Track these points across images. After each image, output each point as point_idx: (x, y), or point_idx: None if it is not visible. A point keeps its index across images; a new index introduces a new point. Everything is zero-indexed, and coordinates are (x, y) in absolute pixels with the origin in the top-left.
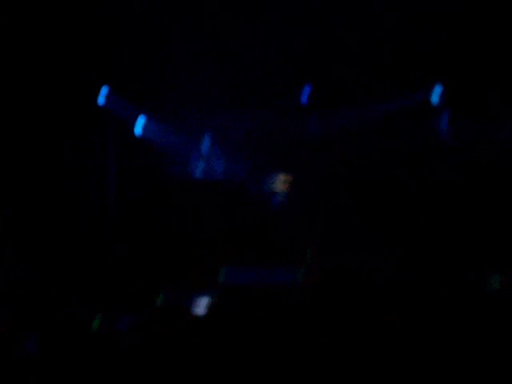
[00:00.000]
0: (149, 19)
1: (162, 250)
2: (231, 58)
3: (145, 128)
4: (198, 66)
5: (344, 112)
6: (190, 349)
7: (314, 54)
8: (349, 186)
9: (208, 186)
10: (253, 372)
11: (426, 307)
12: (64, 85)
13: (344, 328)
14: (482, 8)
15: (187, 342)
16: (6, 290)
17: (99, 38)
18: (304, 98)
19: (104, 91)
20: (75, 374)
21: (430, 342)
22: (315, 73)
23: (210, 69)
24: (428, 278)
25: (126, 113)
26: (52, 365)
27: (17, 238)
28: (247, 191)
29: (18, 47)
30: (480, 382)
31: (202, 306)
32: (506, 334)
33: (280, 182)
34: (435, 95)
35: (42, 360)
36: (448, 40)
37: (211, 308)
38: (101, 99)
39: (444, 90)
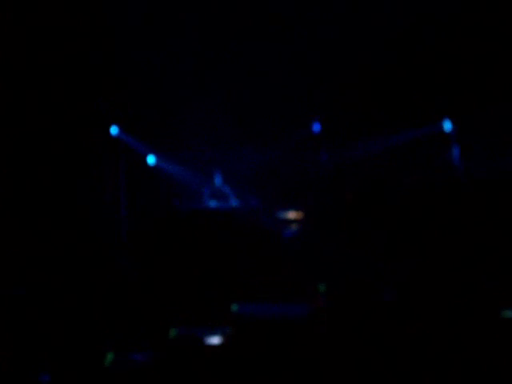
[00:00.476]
0: (162, 60)
1: (174, 282)
2: (242, 94)
3: (157, 162)
4: (209, 102)
5: (355, 144)
6: (204, 381)
7: (325, 87)
8: (359, 219)
9: (220, 216)
10: None
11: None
12: (80, 121)
13: (352, 361)
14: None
15: (201, 375)
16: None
17: (114, 77)
18: (315, 132)
19: (116, 128)
20: None
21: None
22: (326, 106)
23: (221, 105)
24: (440, 304)
25: (139, 148)
26: None
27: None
28: (259, 223)
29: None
30: None
31: (214, 338)
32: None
33: (292, 216)
34: (446, 128)
35: None
36: (459, 73)
37: (224, 340)
38: (114, 132)
39: (455, 124)
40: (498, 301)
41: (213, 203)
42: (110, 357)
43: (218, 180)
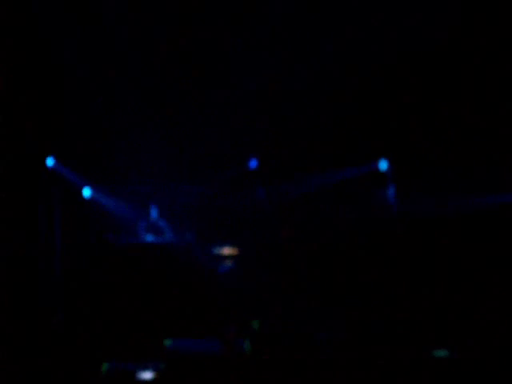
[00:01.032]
0: (100, 92)
1: (106, 317)
2: (180, 128)
3: (92, 195)
4: (147, 136)
5: (292, 181)
6: None
7: (263, 123)
8: (295, 255)
9: (154, 250)
10: None
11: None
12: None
13: None
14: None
15: None
16: None
17: (51, 108)
18: (251, 168)
19: (52, 160)
20: None
21: None
22: (263, 145)
23: (158, 138)
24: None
25: (75, 180)
26: None
27: None
28: (194, 258)
29: None
30: None
31: (147, 373)
32: None
33: (227, 252)
34: (382, 167)
35: None
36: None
37: (156, 376)
38: (49, 164)
39: (391, 163)
40: (429, 341)
41: (148, 237)
42: None
43: (153, 214)
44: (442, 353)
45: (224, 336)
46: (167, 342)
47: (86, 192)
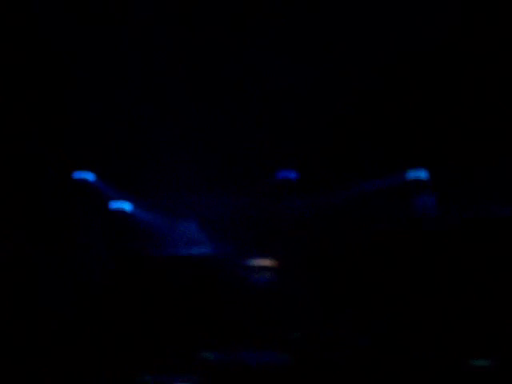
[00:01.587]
0: (137, 106)
1: (148, 328)
2: (219, 141)
3: (131, 208)
4: (184, 148)
5: (330, 192)
6: None
7: (300, 133)
8: (335, 266)
9: (193, 262)
10: None
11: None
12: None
13: None
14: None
15: None
16: None
17: (89, 123)
18: (288, 180)
19: (92, 175)
20: None
21: None
22: (303, 155)
23: (196, 150)
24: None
25: (111, 193)
26: None
27: None
28: (233, 270)
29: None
30: None
31: None
32: None
33: (265, 263)
34: (421, 176)
35: None
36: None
37: None
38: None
39: (430, 172)
40: (467, 350)
41: (186, 249)
42: None
43: (192, 226)
44: (482, 362)
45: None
46: (206, 355)
47: (124, 205)
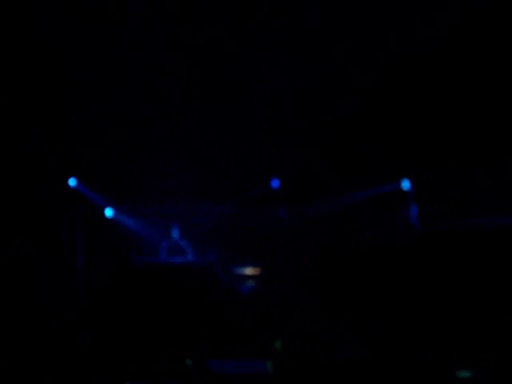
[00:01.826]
0: (122, 112)
1: (131, 336)
2: (202, 147)
3: (114, 215)
4: (168, 156)
5: (314, 201)
6: None
7: (285, 143)
8: (318, 276)
9: (176, 270)
10: None
11: None
12: (36, 171)
13: None
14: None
15: None
16: None
17: (72, 127)
18: (274, 188)
19: (74, 180)
20: None
21: None
22: (286, 162)
23: (180, 158)
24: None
25: (97, 200)
26: None
27: None
28: (216, 278)
29: None
30: None
31: None
32: None
33: (249, 272)
34: (404, 187)
35: None
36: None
37: None
38: (72, 184)
39: (412, 183)
40: (453, 361)
41: (170, 257)
42: None
43: (175, 234)
44: (466, 373)
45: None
46: (189, 363)
47: (108, 212)
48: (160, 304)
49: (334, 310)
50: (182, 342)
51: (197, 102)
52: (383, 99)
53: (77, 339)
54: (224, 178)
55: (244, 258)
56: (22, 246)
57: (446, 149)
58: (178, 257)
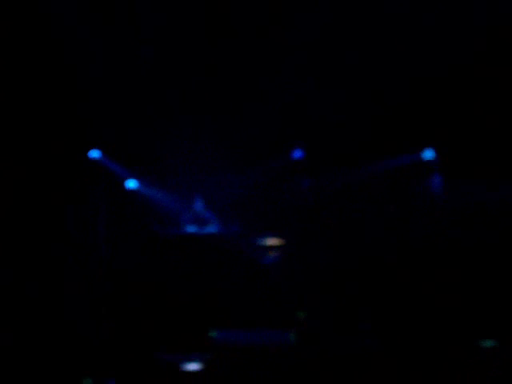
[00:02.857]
0: (145, 84)
1: (153, 307)
2: (223, 121)
3: (137, 186)
4: (191, 127)
5: (337, 172)
6: None
7: (308, 113)
8: (341, 246)
9: (200, 241)
10: None
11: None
12: (60, 144)
13: None
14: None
15: None
16: None
17: (95, 101)
18: (296, 158)
19: (97, 152)
20: None
21: None
22: (309, 133)
23: (203, 130)
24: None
25: (121, 172)
26: None
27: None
28: (239, 249)
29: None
30: None
31: (193, 365)
32: None
33: (272, 242)
34: (427, 157)
35: None
36: (440, 104)
37: (203, 367)
38: (95, 156)
39: (436, 153)
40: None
41: (193, 228)
42: (87, 382)
43: (198, 205)
44: (489, 343)
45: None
46: (213, 333)
47: (131, 183)
48: (183, 275)
49: (356, 280)
50: (205, 314)
51: (219, 72)
52: (407, 69)
53: (102, 312)
54: (247, 149)
55: (267, 229)
56: (45, 220)
57: (471, 117)
58: (202, 228)
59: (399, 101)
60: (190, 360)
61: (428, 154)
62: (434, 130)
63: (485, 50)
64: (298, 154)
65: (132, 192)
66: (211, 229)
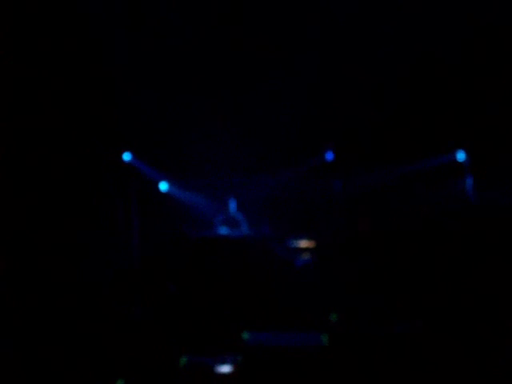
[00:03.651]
0: (176, 86)
1: (185, 309)
2: (255, 123)
3: (169, 189)
4: (223, 130)
5: (369, 174)
6: None
7: (339, 115)
8: (372, 249)
9: (232, 243)
10: None
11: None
12: (92, 147)
13: None
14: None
15: None
16: None
17: (128, 104)
18: (328, 160)
19: (129, 155)
20: None
21: None
22: (340, 135)
23: (235, 132)
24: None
25: (152, 174)
26: None
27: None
28: (271, 251)
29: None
30: None
31: (225, 367)
32: None
33: (304, 245)
34: (459, 159)
35: None
36: (472, 105)
37: (234, 369)
38: (126, 158)
39: (468, 155)
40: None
41: (224, 230)
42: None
43: (231, 207)
44: None
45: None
46: (245, 335)
47: (163, 186)
48: (215, 278)
49: (387, 283)
50: (237, 316)
51: (250, 72)
52: (439, 69)
53: (131, 311)
54: (279, 151)
55: (299, 231)
56: (78, 222)
57: (503, 119)
58: (233, 230)
59: (432, 101)
60: (222, 362)
61: (460, 156)
62: (466, 132)
63: None
64: (329, 155)
65: (164, 194)
66: (243, 231)
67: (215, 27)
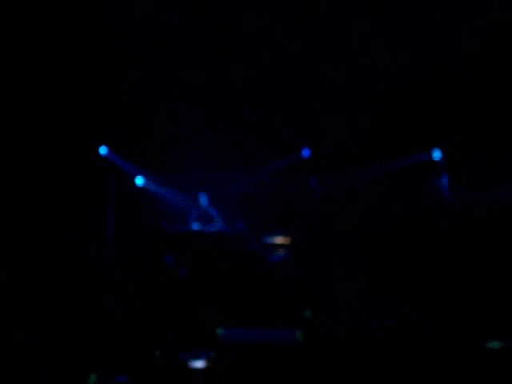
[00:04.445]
0: (152, 81)
1: (159, 304)
2: (232, 119)
3: (145, 183)
4: (199, 125)
5: (345, 171)
6: None
7: (316, 113)
8: (348, 245)
9: (206, 239)
10: None
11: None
12: (68, 140)
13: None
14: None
15: None
16: None
17: (103, 97)
18: (304, 157)
19: (105, 148)
20: None
21: None
22: (317, 132)
23: (211, 127)
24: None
25: (128, 168)
26: None
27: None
28: (245, 247)
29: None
30: None
31: (199, 362)
32: None
33: (279, 241)
34: (435, 157)
35: None
36: (448, 104)
37: (209, 365)
38: (102, 152)
39: (443, 153)
40: (483, 332)
41: (199, 226)
42: (93, 378)
43: (202, 201)
44: (495, 344)
45: None
46: (219, 331)
47: (139, 180)
48: (189, 272)
49: (362, 280)
50: (211, 311)
51: (228, 69)
52: (416, 70)
53: (108, 307)
54: (255, 147)
55: (274, 227)
56: (54, 216)
57: (478, 118)
58: (208, 225)
59: (407, 100)
60: (196, 357)
61: (435, 155)
62: (441, 131)
63: (495, 49)
64: (306, 152)
65: (140, 189)
66: (217, 226)
67: (195, 22)
